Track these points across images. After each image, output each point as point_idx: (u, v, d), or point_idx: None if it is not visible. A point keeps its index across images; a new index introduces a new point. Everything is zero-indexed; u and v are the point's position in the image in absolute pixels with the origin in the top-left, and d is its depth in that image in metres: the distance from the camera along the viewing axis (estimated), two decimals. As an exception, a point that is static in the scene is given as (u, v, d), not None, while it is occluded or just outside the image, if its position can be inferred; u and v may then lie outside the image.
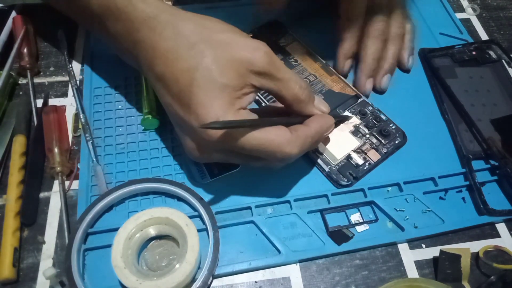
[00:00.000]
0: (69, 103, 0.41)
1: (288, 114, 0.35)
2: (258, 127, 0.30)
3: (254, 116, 0.31)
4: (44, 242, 0.34)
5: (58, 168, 0.36)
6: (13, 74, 0.42)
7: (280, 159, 0.32)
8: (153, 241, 0.34)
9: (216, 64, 0.30)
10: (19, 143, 0.37)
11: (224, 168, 0.37)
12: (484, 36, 0.50)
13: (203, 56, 0.30)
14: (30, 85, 0.42)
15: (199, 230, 0.33)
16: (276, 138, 0.30)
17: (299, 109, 0.33)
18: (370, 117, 0.41)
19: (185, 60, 0.30)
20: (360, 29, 0.42)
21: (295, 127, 0.33)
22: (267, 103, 0.41)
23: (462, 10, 0.53)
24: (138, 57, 0.33)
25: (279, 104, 0.35)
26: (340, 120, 0.40)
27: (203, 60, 0.30)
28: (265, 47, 0.31)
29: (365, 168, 0.38)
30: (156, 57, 0.31)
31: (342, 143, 0.39)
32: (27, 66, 0.42)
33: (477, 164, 0.39)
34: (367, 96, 0.42)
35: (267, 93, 0.41)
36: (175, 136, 0.38)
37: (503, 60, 0.46)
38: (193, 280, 0.31)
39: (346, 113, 0.41)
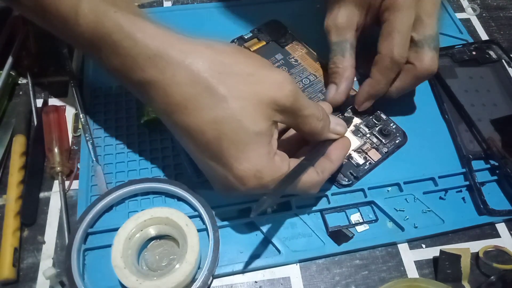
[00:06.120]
0: (69, 103, 0.41)
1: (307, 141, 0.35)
2: (293, 180, 0.30)
3: (287, 162, 0.30)
4: (44, 242, 0.34)
5: (58, 168, 0.36)
6: (13, 74, 0.42)
7: (302, 196, 0.34)
8: (153, 241, 0.34)
9: (244, 113, 0.27)
10: (19, 143, 0.37)
11: None
12: (484, 36, 0.50)
13: (229, 105, 0.27)
14: (30, 85, 0.42)
15: (199, 230, 0.33)
16: (305, 184, 0.31)
17: (314, 139, 0.33)
18: (371, 117, 0.41)
19: (209, 110, 0.27)
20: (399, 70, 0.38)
21: (321, 166, 0.32)
22: None
23: (462, 10, 0.53)
24: (147, 96, 0.29)
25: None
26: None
27: (229, 110, 0.27)
28: (291, 82, 0.29)
29: (366, 167, 0.38)
30: (171, 103, 0.28)
31: (342, 143, 0.39)
32: (27, 66, 0.42)
33: (477, 164, 0.39)
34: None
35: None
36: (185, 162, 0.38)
37: (503, 60, 0.46)
38: (193, 280, 0.31)
39: (346, 113, 0.41)
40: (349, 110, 0.41)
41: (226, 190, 0.31)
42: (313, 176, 0.32)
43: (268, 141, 0.29)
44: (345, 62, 0.39)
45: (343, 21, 0.39)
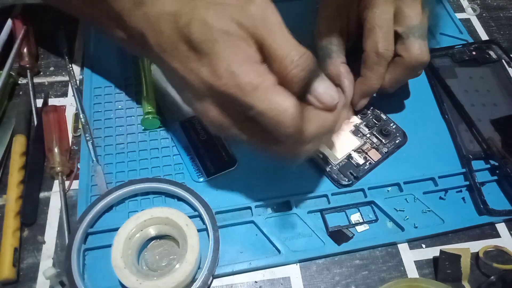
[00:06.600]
0: (69, 103, 0.41)
1: None
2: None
3: (275, 87, 0.27)
4: (44, 242, 0.34)
5: (58, 168, 0.36)
6: (13, 74, 0.42)
7: (283, 134, 0.27)
8: (153, 241, 0.34)
9: (211, 13, 0.27)
10: (19, 143, 0.37)
11: (221, 166, 0.37)
12: (484, 36, 0.50)
13: (199, 11, 0.27)
14: (30, 85, 0.42)
15: (199, 230, 0.33)
16: (280, 101, 0.26)
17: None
18: (371, 117, 0.41)
19: (184, 16, 0.28)
20: (387, 63, 0.37)
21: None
22: None
23: (462, 10, 0.53)
24: (136, 36, 0.31)
25: None
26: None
27: (197, 14, 0.27)
28: (259, 6, 0.27)
29: (366, 167, 0.38)
30: (150, 35, 0.29)
31: (342, 142, 0.39)
32: (27, 66, 0.42)
33: (477, 164, 0.39)
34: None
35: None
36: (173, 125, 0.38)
37: (503, 60, 0.46)
38: (193, 280, 0.31)
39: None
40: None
41: (197, 98, 0.29)
42: (290, 100, 0.27)
43: (242, 45, 0.27)
44: (333, 61, 0.39)
45: (326, 26, 0.40)
